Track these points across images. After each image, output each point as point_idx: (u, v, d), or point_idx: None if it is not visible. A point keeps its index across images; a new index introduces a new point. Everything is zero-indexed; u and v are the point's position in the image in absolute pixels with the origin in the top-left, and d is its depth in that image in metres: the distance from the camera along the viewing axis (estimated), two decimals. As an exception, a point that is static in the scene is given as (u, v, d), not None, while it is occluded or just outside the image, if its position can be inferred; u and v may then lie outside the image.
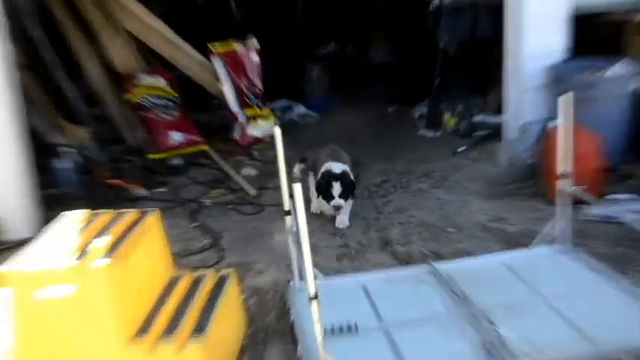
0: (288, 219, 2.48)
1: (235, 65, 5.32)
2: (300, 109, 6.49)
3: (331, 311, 2.00)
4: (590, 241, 2.84)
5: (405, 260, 3.07)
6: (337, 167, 3.18)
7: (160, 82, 5.13)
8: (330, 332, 2.08)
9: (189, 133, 5.03)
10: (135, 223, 1.91)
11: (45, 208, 3.17)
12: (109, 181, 4.08)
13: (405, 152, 5.35)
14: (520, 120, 4.04)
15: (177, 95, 5.11)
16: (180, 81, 5.26)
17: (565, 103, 2.46)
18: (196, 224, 3.71)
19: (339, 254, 3.17)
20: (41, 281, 1.57)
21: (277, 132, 2.40)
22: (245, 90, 5.43)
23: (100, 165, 4.17)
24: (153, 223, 1.98)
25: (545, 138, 3.60)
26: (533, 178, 3.81)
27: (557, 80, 3.75)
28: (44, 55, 3.74)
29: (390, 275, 2.74)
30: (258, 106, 5.53)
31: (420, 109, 6.04)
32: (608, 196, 3.28)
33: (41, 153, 3.41)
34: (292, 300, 2.57)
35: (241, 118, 5.59)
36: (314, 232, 3.48)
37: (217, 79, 5.35)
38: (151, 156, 4.81)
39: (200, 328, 1.84)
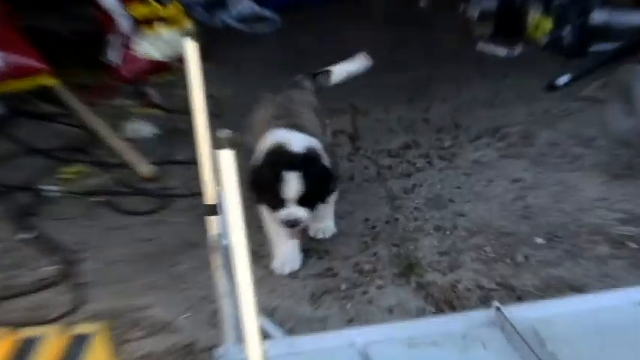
0: (213, 222, 2.45)
1: None
2: (243, 5, 6.50)
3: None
4: None
5: (446, 301, 3.08)
6: (296, 140, 3.03)
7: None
8: None
9: (16, 53, 5.00)
10: None
11: None
12: None
13: (450, 87, 5.54)
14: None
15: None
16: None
17: None
18: (29, 235, 3.72)
19: (316, 290, 3.20)
20: None
21: (192, 51, 2.36)
22: (132, -33, 5.52)
23: None
24: None
25: None
26: None
27: None
28: None
29: (417, 330, 2.73)
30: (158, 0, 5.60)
31: (482, 3, 6.15)
32: None
33: None
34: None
35: (124, 25, 5.64)
36: (267, 246, 3.48)
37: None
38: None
39: None
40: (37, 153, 4.61)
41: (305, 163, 2.96)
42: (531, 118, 4.76)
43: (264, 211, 3.21)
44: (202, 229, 3.57)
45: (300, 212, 2.99)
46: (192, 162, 4.62)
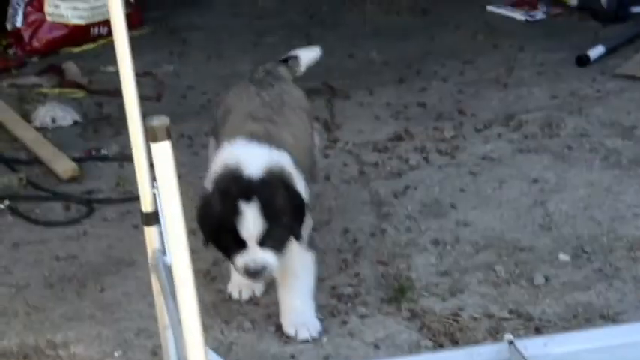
0: (152, 234, 2.47)
1: None
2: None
3: None
4: None
5: (446, 333, 3.10)
6: (253, 158, 2.99)
7: None
8: None
9: None
10: None
11: None
12: None
13: (452, 63, 5.52)
14: None
15: None
16: None
17: None
18: None
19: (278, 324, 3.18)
20: None
21: (119, 13, 2.39)
22: None
23: None
24: None
25: None
26: None
27: None
28: None
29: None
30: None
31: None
32: None
33: None
34: None
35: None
36: (222, 265, 3.49)
37: None
38: None
39: None
40: None
41: (264, 188, 2.90)
42: (555, 102, 4.80)
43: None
44: (137, 242, 3.60)
45: (265, 256, 2.91)
46: (125, 158, 4.70)
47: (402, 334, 3.10)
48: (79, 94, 5.34)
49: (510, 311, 3.18)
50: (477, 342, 2.97)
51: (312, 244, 3.16)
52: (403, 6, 6.30)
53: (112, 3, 2.40)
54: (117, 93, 4.98)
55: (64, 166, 4.39)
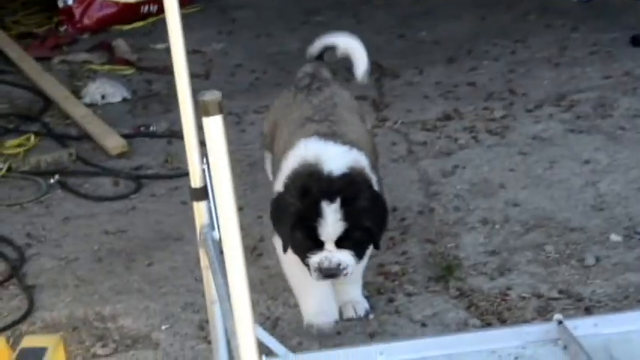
0: (201, 210, 2.48)
1: None
2: None
3: None
4: None
5: (494, 312, 3.11)
6: (335, 156, 2.84)
7: None
8: None
9: None
10: None
11: None
12: None
13: (503, 42, 5.50)
14: None
15: None
16: None
17: None
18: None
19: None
20: None
21: None
22: None
23: None
24: None
25: None
26: None
27: None
28: None
29: (457, 348, 2.73)
30: None
31: None
32: None
33: None
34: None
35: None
36: (268, 242, 3.51)
37: None
38: None
39: None
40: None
41: (349, 188, 2.75)
42: (608, 82, 4.76)
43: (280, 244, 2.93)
44: (185, 218, 3.64)
45: (342, 256, 2.75)
46: (173, 134, 4.75)
47: (449, 312, 3.10)
48: (129, 71, 5.40)
49: (560, 291, 3.16)
50: (525, 321, 2.97)
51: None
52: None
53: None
54: (166, 70, 5.06)
55: (113, 142, 4.44)
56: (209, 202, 2.45)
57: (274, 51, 5.51)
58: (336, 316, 3.04)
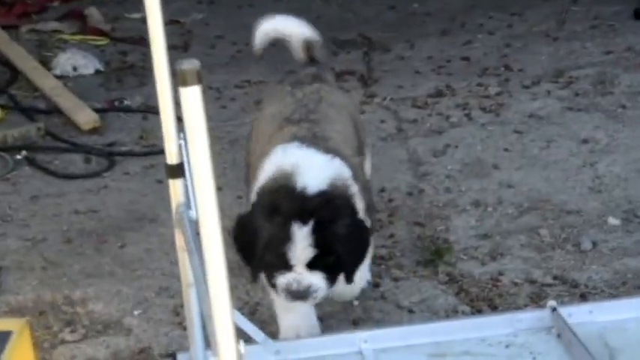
0: (177, 188, 2.48)
1: None
2: None
3: None
4: None
5: (485, 299, 3.12)
6: (310, 168, 2.67)
7: None
8: None
9: None
10: None
11: None
12: None
13: (498, 14, 5.46)
14: None
15: None
16: None
17: None
18: None
19: None
20: None
21: None
22: None
23: None
24: None
25: None
26: None
27: None
28: None
29: (445, 336, 2.76)
30: None
31: None
32: None
33: None
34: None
35: None
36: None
37: None
38: None
39: None
40: None
41: (325, 209, 2.58)
42: (609, 58, 4.77)
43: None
44: (161, 198, 3.64)
45: (313, 278, 2.60)
46: (148, 109, 4.73)
47: (438, 298, 3.11)
48: (102, 41, 5.37)
49: (554, 277, 3.18)
50: (517, 308, 2.98)
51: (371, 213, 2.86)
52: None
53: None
54: (142, 41, 5.02)
55: (84, 116, 4.42)
56: (185, 180, 2.45)
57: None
58: (317, 333, 2.89)
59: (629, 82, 4.48)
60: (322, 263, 2.61)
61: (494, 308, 3.04)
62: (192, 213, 2.40)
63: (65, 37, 5.40)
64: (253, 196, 2.72)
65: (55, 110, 4.55)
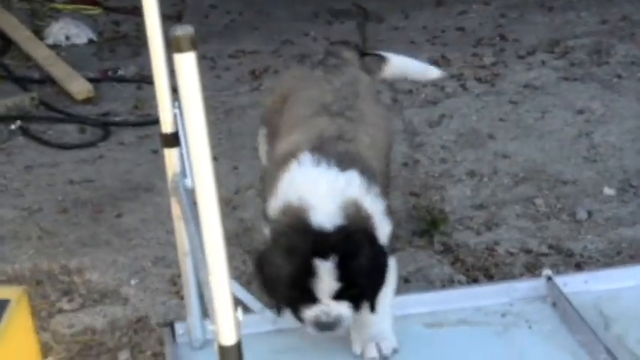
0: (172, 157, 2.47)
1: None
2: None
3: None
4: None
5: (481, 268, 3.13)
6: (330, 198, 2.56)
7: None
8: None
9: None
10: None
11: None
12: None
13: None
14: None
15: None
16: None
17: None
18: None
19: None
20: None
21: None
22: None
23: None
24: None
25: None
26: None
27: None
28: None
29: (441, 305, 2.77)
30: None
31: None
32: None
33: None
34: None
35: None
36: (243, 194, 3.53)
37: None
38: None
39: None
40: None
41: (344, 244, 2.50)
42: (605, 27, 4.78)
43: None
44: (156, 167, 3.64)
45: (339, 308, 2.55)
46: (143, 79, 4.73)
47: (433, 268, 3.12)
48: (95, 10, 5.36)
49: (550, 247, 3.19)
50: (513, 277, 2.99)
51: (393, 245, 2.75)
52: None
53: None
54: (135, 11, 4.99)
55: (78, 86, 4.42)
56: (181, 149, 2.46)
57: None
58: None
59: (624, 52, 4.48)
60: (347, 294, 2.54)
61: (489, 278, 3.05)
62: (188, 182, 2.40)
63: (57, 6, 5.40)
64: (270, 219, 2.60)
65: (48, 80, 4.55)
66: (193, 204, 2.10)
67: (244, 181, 3.61)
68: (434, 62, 4.54)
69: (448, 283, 3.03)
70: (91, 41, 4.99)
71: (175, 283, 3.02)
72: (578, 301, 2.67)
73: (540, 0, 5.13)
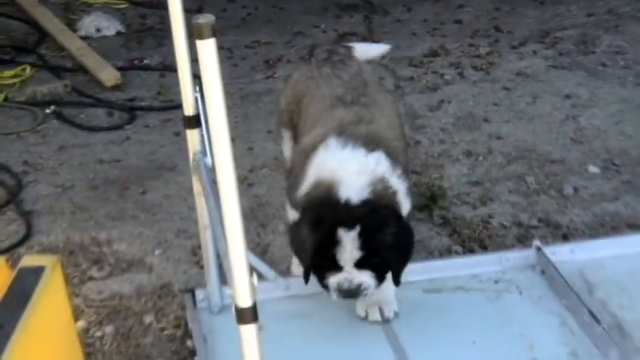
0: (194, 137, 2.48)
1: None
2: None
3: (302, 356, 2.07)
4: None
5: (476, 239, 3.14)
6: (356, 174, 2.52)
7: None
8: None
9: None
10: None
11: None
12: None
13: None
14: None
15: None
16: None
17: None
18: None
19: None
20: None
21: None
22: None
23: None
24: None
25: None
26: None
27: None
28: None
29: (440, 273, 2.81)
30: None
31: None
32: None
33: None
34: (200, 330, 2.60)
35: None
36: (258, 172, 3.54)
37: None
38: None
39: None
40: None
41: (369, 217, 2.46)
42: (591, 20, 4.78)
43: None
44: (178, 149, 3.65)
45: (363, 277, 2.51)
46: (166, 67, 4.75)
47: (433, 239, 3.14)
48: (123, 5, 5.38)
49: (539, 220, 3.20)
50: (505, 248, 3.01)
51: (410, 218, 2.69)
52: None
53: None
54: (159, 5, 4.98)
55: (107, 74, 4.43)
56: (201, 130, 2.46)
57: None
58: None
59: (609, 42, 4.47)
60: (369, 263, 2.50)
61: (484, 248, 3.07)
62: (208, 160, 2.42)
63: (89, 0, 5.40)
64: (300, 197, 2.58)
65: (80, 68, 4.56)
66: (213, 181, 2.11)
67: (259, 160, 3.62)
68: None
69: (446, 253, 3.05)
70: (119, 33, 5.00)
71: (196, 253, 3.03)
72: (565, 269, 2.69)
73: (532, -6, 5.11)
